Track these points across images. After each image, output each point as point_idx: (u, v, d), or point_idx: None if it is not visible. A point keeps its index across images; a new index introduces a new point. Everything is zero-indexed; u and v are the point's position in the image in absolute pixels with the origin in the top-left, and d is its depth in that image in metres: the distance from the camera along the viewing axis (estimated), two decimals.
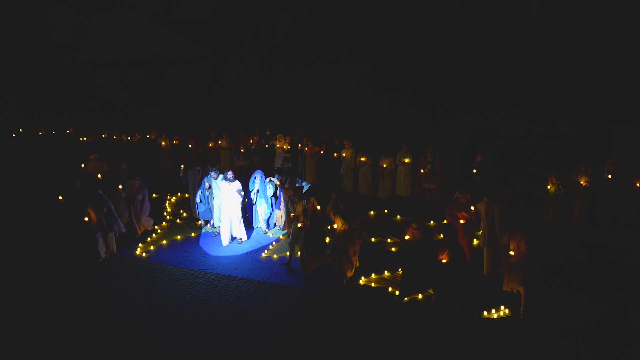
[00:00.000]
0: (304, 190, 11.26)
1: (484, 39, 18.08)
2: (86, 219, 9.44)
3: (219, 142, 15.54)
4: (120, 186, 11.14)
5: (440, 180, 12.73)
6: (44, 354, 6.98)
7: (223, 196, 10.37)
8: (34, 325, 7.59)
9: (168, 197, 13.49)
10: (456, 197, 9.08)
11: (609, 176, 10.81)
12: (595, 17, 15.96)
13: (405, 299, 8.24)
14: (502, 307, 7.72)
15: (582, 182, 11.10)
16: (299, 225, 9.18)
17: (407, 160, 13.06)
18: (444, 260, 7.52)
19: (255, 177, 11.09)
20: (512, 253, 7.74)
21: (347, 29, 20.37)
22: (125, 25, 23.60)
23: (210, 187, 10.90)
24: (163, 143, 16.31)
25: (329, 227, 9.23)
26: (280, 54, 21.61)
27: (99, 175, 12.08)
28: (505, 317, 7.61)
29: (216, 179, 10.73)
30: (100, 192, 9.76)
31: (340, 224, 8.85)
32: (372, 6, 20.15)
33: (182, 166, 12.12)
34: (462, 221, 8.89)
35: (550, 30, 17.00)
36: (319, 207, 9.49)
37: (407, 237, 8.40)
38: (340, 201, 9.49)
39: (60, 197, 10.97)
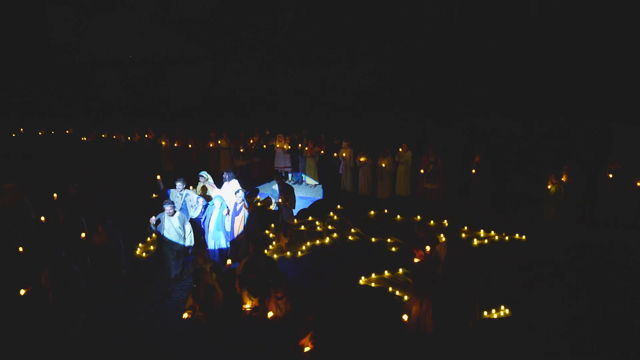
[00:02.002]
0: (308, 185, 11.07)
1: (484, 39, 18.07)
2: (23, 291, 7.04)
3: (219, 142, 15.57)
4: (82, 234, 8.54)
5: (442, 180, 12.75)
6: (44, 354, 6.98)
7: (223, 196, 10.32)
8: (34, 325, 7.58)
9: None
10: (415, 229, 8.17)
11: (610, 175, 10.81)
12: (595, 17, 15.95)
13: None
14: (502, 307, 7.72)
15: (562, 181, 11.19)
16: (185, 316, 6.73)
17: (407, 159, 13.09)
18: (306, 349, 6.20)
19: (213, 205, 9.24)
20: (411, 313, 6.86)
21: (347, 29, 20.37)
22: (125, 25, 23.61)
23: (159, 221, 8.49)
24: (163, 143, 16.33)
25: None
26: (280, 54, 21.61)
27: (43, 218, 9.13)
28: (505, 317, 7.61)
29: (172, 214, 8.45)
30: (64, 253, 7.36)
31: (248, 302, 6.85)
32: (372, 6, 20.14)
33: (159, 177, 10.09)
34: (416, 259, 7.89)
35: (550, 30, 16.98)
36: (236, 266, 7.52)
37: (270, 315, 6.73)
38: (259, 258, 7.41)
39: (20, 249, 8.49)
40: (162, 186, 9.99)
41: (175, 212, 8.52)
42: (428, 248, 7.72)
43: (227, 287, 7.23)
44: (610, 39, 15.53)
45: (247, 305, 6.81)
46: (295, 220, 10.89)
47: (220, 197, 9.32)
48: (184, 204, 9.48)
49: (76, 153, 17.57)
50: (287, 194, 10.04)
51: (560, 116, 15.49)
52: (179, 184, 9.56)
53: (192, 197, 9.65)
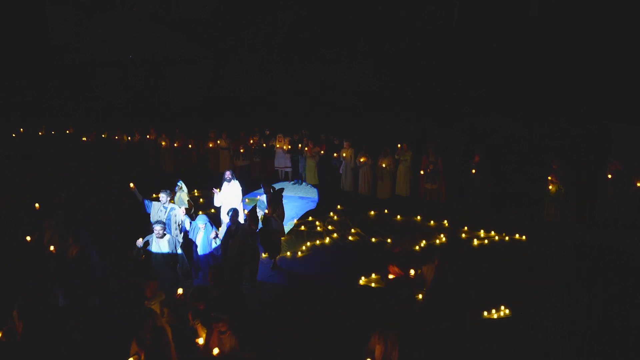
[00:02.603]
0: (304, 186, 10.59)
1: (484, 39, 18.07)
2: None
3: (218, 142, 15.58)
4: (52, 247, 7.55)
5: (442, 180, 12.75)
6: (44, 354, 6.97)
7: (223, 198, 10.31)
8: (33, 324, 7.56)
9: None
10: (390, 244, 7.52)
11: (610, 176, 10.81)
12: (595, 17, 15.96)
13: None
14: (502, 307, 7.72)
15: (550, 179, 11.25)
16: None
17: (407, 158, 13.12)
18: None
19: (198, 226, 8.24)
20: None
21: (347, 29, 20.38)
22: (125, 25, 23.62)
23: (147, 244, 7.39)
24: (163, 143, 16.33)
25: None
26: (280, 54, 21.62)
27: (28, 238, 7.82)
28: (505, 317, 7.61)
29: (161, 236, 7.34)
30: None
31: (203, 335, 5.99)
32: (372, 6, 20.15)
33: (132, 185, 8.83)
34: (391, 276, 7.27)
35: (550, 30, 16.99)
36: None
37: (215, 352, 5.68)
38: (202, 294, 6.26)
39: None
40: (139, 196, 8.79)
41: (165, 234, 7.41)
42: (412, 272, 6.87)
43: (179, 324, 6.31)
44: (610, 39, 15.53)
45: (201, 340, 5.96)
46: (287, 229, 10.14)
47: (204, 217, 8.33)
48: (168, 220, 8.35)
49: (76, 153, 17.59)
50: (275, 204, 9.27)
51: (560, 116, 15.50)
52: (163, 197, 8.45)
53: (178, 214, 8.50)
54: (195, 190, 13.99)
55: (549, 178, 11.28)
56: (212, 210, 12.27)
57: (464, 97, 17.51)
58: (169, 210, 8.47)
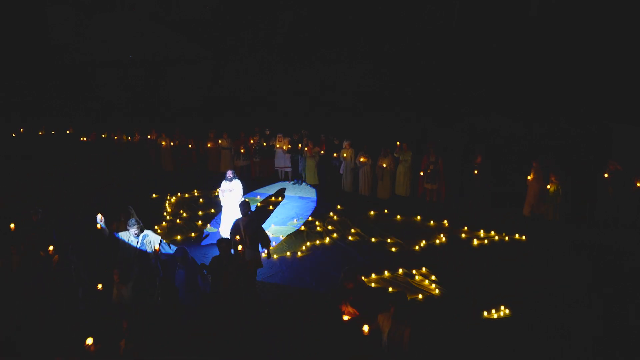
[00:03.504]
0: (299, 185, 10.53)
1: (484, 39, 18.07)
2: None
3: (219, 142, 15.59)
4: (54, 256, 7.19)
5: (442, 180, 12.76)
6: (43, 354, 6.96)
7: (225, 197, 10.32)
8: (33, 325, 7.57)
9: (168, 197, 13.50)
10: (341, 279, 6.36)
11: (606, 175, 10.81)
12: (595, 17, 15.95)
13: None
14: (502, 307, 7.72)
15: (529, 178, 11.43)
16: None
17: (407, 159, 13.12)
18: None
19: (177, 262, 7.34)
20: None
21: (347, 29, 20.38)
22: (125, 25, 23.63)
23: (121, 286, 6.59)
24: (163, 143, 16.35)
25: None
26: (280, 54, 21.63)
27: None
28: (505, 317, 7.61)
29: (121, 282, 6.56)
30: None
31: None
32: (372, 6, 20.15)
33: (100, 215, 7.55)
34: (346, 317, 6.46)
35: (550, 30, 16.99)
36: None
37: None
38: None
39: None
40: (106, 231, 7.63)
41: (128, 279, 6.54)
42: (366, 328, 5.77)
43: None
44: (610, 39, 15.53)
45: None
46: (266, 253, 8.49)
47: (183, 250, 7.56)
48: (143, 248, 7.49)
49: (76, 153, 17.60)
50: (252, 230, 8.17)
51: (560, 116, 15.49)
52: (133, 230, 7.45)
53: (154, 240, 7.56)
54: (195, 190, 14.00)
55: (529, 178, 11.39)
56: (212, 211, 12.31)
57: (464, 97, 17.51)
58: (142, 238, 7.53)
